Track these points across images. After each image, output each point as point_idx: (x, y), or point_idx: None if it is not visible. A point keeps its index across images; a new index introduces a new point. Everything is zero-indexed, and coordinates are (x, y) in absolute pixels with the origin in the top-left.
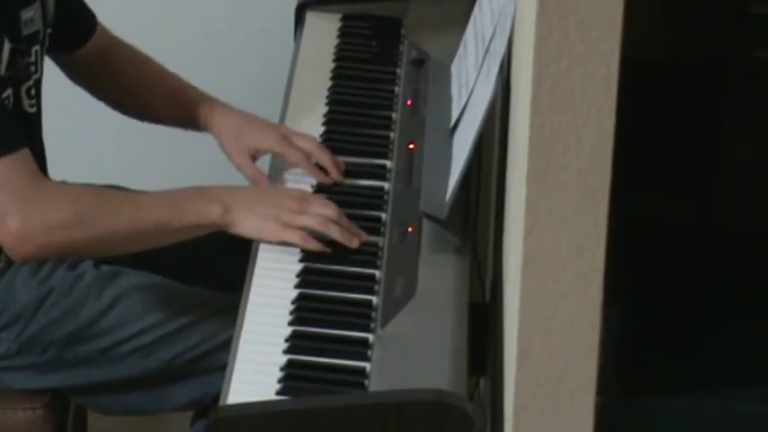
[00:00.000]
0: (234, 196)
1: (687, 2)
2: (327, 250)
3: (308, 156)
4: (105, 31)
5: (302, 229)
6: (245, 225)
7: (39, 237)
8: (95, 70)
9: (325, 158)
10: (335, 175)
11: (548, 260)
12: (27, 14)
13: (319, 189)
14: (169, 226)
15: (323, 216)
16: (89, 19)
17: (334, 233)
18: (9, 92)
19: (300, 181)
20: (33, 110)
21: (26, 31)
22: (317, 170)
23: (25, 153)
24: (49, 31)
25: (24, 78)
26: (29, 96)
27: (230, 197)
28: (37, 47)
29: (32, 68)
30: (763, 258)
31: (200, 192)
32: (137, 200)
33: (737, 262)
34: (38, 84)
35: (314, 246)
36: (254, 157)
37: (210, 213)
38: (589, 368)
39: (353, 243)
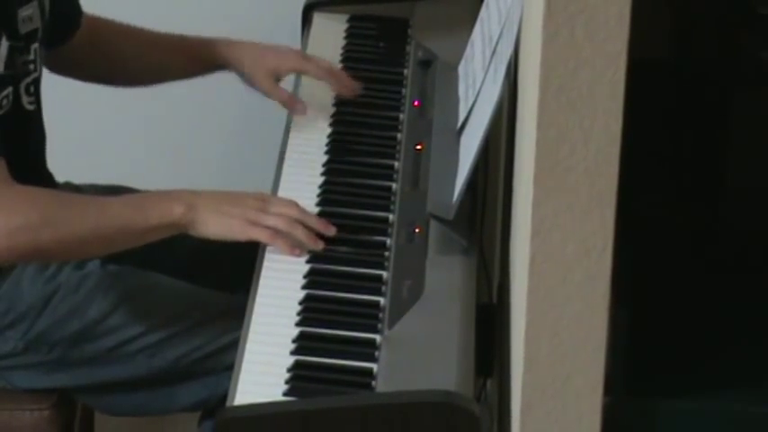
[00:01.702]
0: (197, 196)
1: (693, 3)
2: (296, 250)
3: (329, 69)
4: (85, 16)
5: (268, 228)
6: (209, 224)
7: (4, 240)
8: (83, 56)
9: (342, 75)
10: (355, 87)
11: (554, 261)
12: (25, 12)
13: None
14: (134, 227)
15: (287, 216)
16: (77, 13)
17: (300, 235)
18: (9, 90)
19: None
20: (32, 107)
21: (24, 29)
22: (340, 83)
23: None
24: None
25: (23, 76)
26: (28, 94)
27: (194, 197)
28: (36, 45)
29: (32, 66)
30: None
31: (164, 193)
32: (101, 202)
33: (743, 263)
34: (36, 82)
35: (282, 244)
36: (277, 80)
37: (173, 212)
38: (596, 369)
39: (318, 245)
